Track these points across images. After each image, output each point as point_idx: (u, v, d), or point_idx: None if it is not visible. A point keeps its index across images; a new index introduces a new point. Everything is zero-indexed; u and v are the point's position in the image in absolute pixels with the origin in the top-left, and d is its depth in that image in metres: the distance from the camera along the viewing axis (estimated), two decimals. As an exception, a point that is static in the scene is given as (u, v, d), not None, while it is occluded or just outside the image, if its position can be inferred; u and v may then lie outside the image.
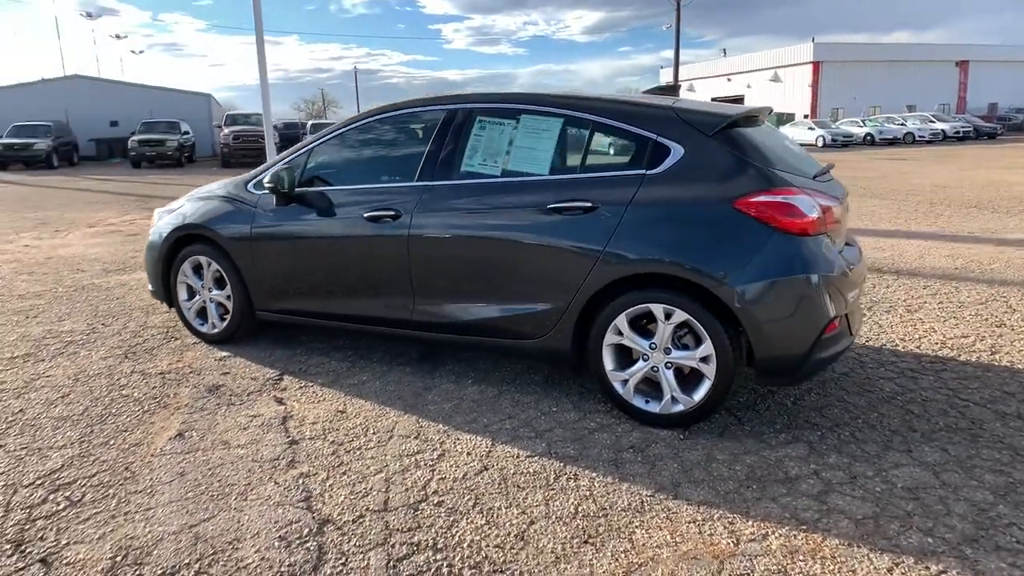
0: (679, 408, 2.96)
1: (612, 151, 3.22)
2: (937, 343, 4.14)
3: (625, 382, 3.04)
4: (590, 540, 2.21)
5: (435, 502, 2.44)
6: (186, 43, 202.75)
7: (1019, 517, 2.33)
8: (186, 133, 25.03)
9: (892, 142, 32.36)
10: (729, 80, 49.34)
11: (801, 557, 2.12)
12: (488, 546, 2.19)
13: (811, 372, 2.99)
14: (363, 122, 3.75)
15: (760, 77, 46.31)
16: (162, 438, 2.95)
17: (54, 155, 22.95)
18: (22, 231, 9.07)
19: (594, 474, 2.63)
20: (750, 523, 2.30)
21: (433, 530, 2.27)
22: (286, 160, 3.87)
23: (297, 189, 3.74)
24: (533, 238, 3.11)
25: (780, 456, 2.76)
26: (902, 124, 34.01)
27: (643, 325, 3.01)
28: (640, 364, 3.02)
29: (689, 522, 2.32)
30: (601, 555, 2.14)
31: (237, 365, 3.84)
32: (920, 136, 32.76)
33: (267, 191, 3.78)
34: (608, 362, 3.06)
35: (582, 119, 3.19)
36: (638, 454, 2.79)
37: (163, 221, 4.27)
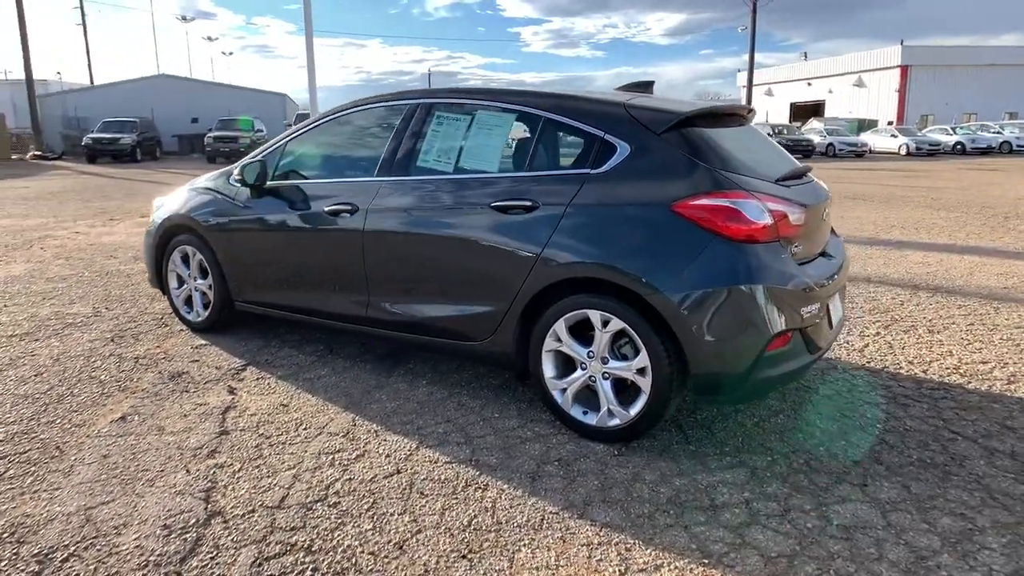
0: (615, 422, 2.79)
1: (561, 149, 3.08)
2: (949, 368, 3.77)
3: (564, 391, 2.90)
4: (469, 556, 2.10)
5: (332, 503, 2.38)
6: (276, 45, 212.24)
7: (960, 570, 2.05)
8: (259, 131, 26.09)
9: (986, 151, 30.18)
10: (809, 84, 47.31)
11: (689, 593, 1.94)
12: (362, 553, 2.11)
13: (756, 392, 2.76)
14: (336, 116, 3.75)
15: (843, 82, 44.17)
16: (105, 420, 3.02)
17: (138, 149, 24.42)
18: (80, 219, 9.65)
19: (505, 486, 2.51)
20: (648, 552, 2.13)
21: (315, 531, 2.21)
22: (263, 153, 3.91)
23: (270, 183, 3.78)
24: (476, 237, 3.01)
25: (715, 481, 2.56)
26: (998, 132, 31.64)
27: (585, 332, 2.86)
28: (579, 373, 2.87)
29: (582, 545, 2.16)
30: (473, 573, 2.02)
31: (209, 354, 3.91)
32: (1019, 145, 30.39)
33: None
34: (548, 369, 2.93)
35: (534, 115, 3.06)
36: (562, 468, 2.64)
37: (159, 211, 4.41)
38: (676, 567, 2.06)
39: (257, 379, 3.54)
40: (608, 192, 2.75)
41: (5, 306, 4.88)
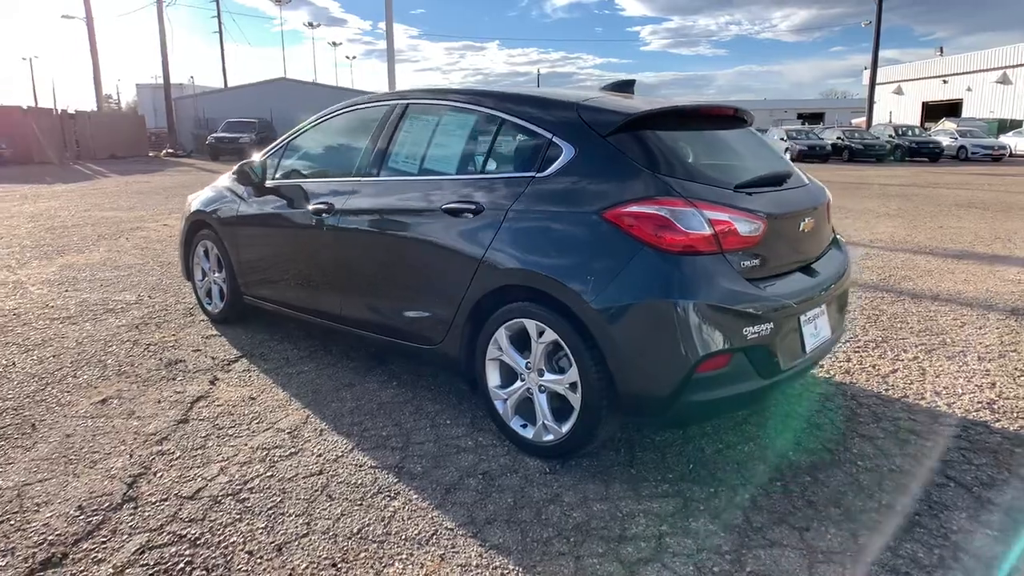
0: (549, 438, 2.66)
1: (515, 151, 2.96)
2: (981, 403, 3.31)
3: (506, 401, 2.80)
4: (339, 565, 2.07)
5: (241, 498, 2.43)
6: (400, 49, 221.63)
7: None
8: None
9: None
10: (945, 82, 43.20)
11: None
12: (241, 551, 2.13)
13: (690, 417, 2.54)
14: (332, 116, 3.83)
15: (984, 79, 39.97)
16: (87, 402, 3.25)
17: (255, 148, 26.25)
18: (175, 212, 10.49)
19: (416, 496, 2.45)
20: (523, 579, 2.01)
21: (210, 525, 2.26)
22: (267, 153, 4.06)
23: (270, 181, 3.92)
24: (430, 240, 2.97)
25: (638, 510, 2.38)
26: None
27: (528, 342, 2.74)
28: (518, 384, 2.76)
29: (458, 565, 2.07)
30: None
31: (214, 344, 4.12)
32: None
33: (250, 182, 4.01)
34: (492, 378, 2.84)
35: (494, 116, 2.97)
36: (484, 482, 2.55)
37: (189, 207, 4.70)
38: (544, 599, 1.93)
39: (243, 371, 3.68)
40: (548, 196, 2.63)
41: (65, 291, 5.38)
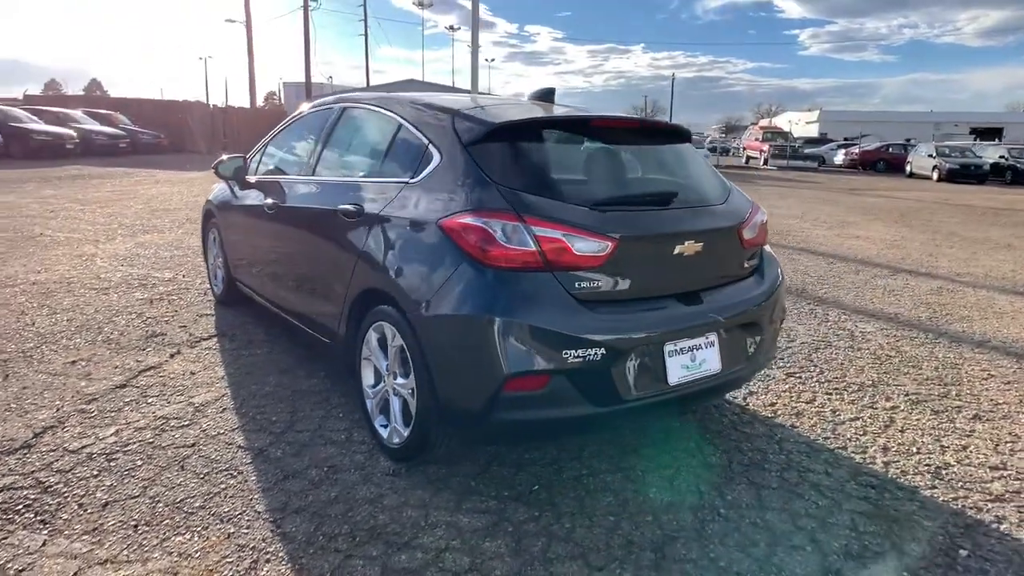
0: (397, 440, 2.71)
1: (402, 155, 2.99)
2: (929, 467, 2.92)
3: (373, 400, 2.88)
4: (140, 527, 2.26)
5: (112, 458, 2.70)
6: (543, 52, 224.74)
7: None
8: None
9: None
10: None
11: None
12: (74, 503, 2.39)
13: (501, 435, 2.49)
14: (299, 117, 4.08)
15: None
16: (61, 361, 3.72)
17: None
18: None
19: (255, 478, 2.60)
20: (270, 567, 2.09)
21: (69, 477, 2.55)
22: (254, 150, 4.40)
23: (249, 177, 4.25)
24: (329, 239, 3.11)
25: (445, 522, 2.37)
26: None
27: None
28: (381, 385, 2.83)
29: (238, 545, 2.19)
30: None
31: (203, 322, 4.53)
32: None
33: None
34: (367, 377, 2.93)
35: (394, 120, 3.05)
36: (324, 474, 2.65)
37: (208, 197, 5.19)
38: (283, 590, 2.00)
39: (207, 348, 4.03)
40: (412, 202, 2.67)
41: (121, 266, 6.11)
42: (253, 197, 4.11)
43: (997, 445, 3.16)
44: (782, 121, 58.60)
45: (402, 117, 2.99)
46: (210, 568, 2.09)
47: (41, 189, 11.82)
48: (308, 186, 3.49)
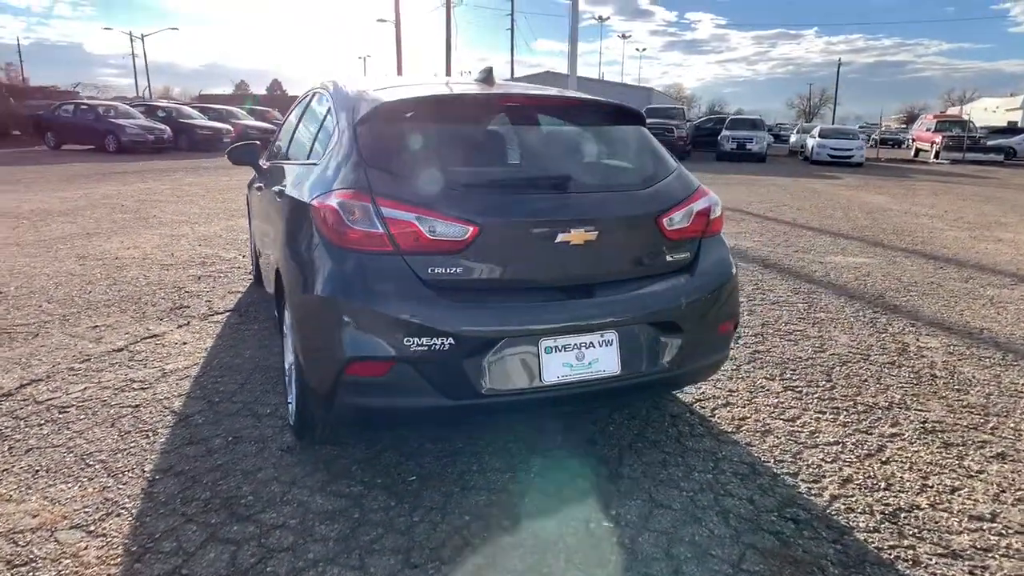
0: (292, 417, 2.76)
1: (326, 138, 2.97)
2: (860, 490, 2.47)
3: (287, 376, 2.96)
4: (3, 473, 2.50)
5: (63, 409, 3.01)
6: (703, 39, 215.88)
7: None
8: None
9: None
10: None
11: None
12: (2, 441, 2.69)
13: (347, 420, 2.45)
14: (295, 106, 4.24)
15: None
16: (86, 325, 4.19)
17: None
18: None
19: (160, 440, 2.78)
20: (79, 507, 2.21)
21: (17, 423, 2.87)
22: (273, 138, 4.65)
23: (263, 162, 4.50)
24: (273, 223, 3.23)
25: (300, 500, 2.38)
26: None
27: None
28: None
29: (70, 499, 2.35)
30: None
31: (229, 298, 4.89)
32: None
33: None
34: (288, 354, 3.00)
35: (326, 103, 3.08)
36: (225, 443, 2.77)
37: (257, 183, 5.58)
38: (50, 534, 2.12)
39: (213, 322, 4.35)
40: (308, 183, 2.69)
41: (198, 245, 6.75)
42: (261, 181, 4.36)
43: (1001, 492, 2.59)
44: (977, 108, 51.50)
45: (332, 100, 3.02)
46: (65, 515, 2.26)
47: (185, 177, 13.39)
48: (280, 169, 3.64)
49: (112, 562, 2.03)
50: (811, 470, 2.72)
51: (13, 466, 2.56)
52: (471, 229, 2.28)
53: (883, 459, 2.82)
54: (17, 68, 55.65)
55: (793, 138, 31.83)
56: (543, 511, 2.37)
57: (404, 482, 2.53)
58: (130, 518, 2.26)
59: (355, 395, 2.28)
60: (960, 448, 2.93)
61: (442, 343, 2.22)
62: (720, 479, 2.63)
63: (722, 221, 2.89)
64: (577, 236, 2.39)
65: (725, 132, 25.01)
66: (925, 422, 3.18)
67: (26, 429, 2.84)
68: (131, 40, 54.39)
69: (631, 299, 2.49)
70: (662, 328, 2.53)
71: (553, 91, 2.82)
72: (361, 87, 2.87)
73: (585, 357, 2.40)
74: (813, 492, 2.56)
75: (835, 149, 23.62)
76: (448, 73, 32.71)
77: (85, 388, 3.27)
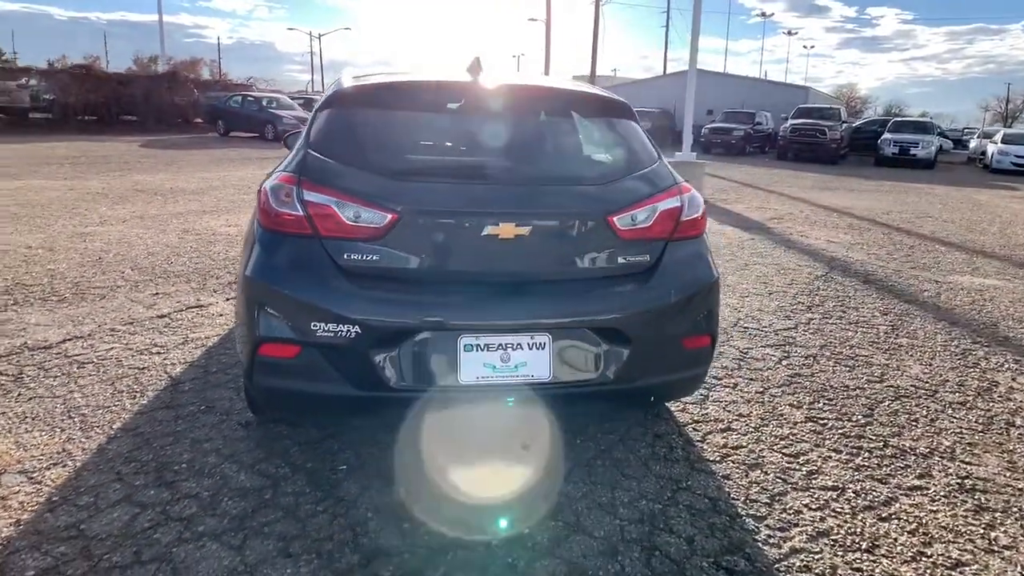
0: (252, 393, 2.83)
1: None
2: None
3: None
4: None
5: (80, 364, 3.31)
6: (886, 36, 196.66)
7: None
8: (758, 124, 25.89)
9: None
10: None
11: None
12: (12, 383, 3.01)
13: (266, 402, 2.44)
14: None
15: None
16: (149, 292, 4.59)
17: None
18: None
19: (128, 403, 2.96)
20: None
21: (37, 372, 3.20)
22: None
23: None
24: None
25: (228, 475, 2.43)
26: None
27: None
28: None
29: (23, 447, 2.55)
30: None
31: (284, 276, 5.15)
32: None
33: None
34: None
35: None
36: (189, 407, 2.90)
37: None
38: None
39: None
40: (278, 170, 2.73)
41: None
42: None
43: None
44: None
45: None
46: (20, 460, 2.46)
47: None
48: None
49: (29, 508, 2.19)
50: (784, 516, 2.34)
51: (10, 410, 2.84)
52: (389, 216, 2.19)
53: (883, 515, 2.37)
54: (217, 64, 63.05)
55: (973, 144, 28.17)
56: (449, 520, 2.23)
57: (332, 470, 2.50)
58: (71, 470, 2.42)
59: (267, 376, 2.28)
60: (996, 516, 2.39)
61: (347, 331, 2.16)
62: (668, 511, 2.34)
63: (701, 223, 2.56)
64: (506, 230, 2.22)
65: (886, 135, 22.60)
66: (966, 478, 2.64)
67: (42, 379, 3.15)
68: (310, 39, 59.51)
69: (569, 301, 2.27)
70: (606, 336, 2.29)
71: (533, 80, 2.65)
72: (346, 77, 2.87)
73: (511, 359, 2.23)
74: (772, 541, 2.20)
75: (1020, 157, 20.57)
76: (593, 71, 32.48)
77: (111, 348, 3.57)
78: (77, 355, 3.45)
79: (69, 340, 3.65)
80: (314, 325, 2.17)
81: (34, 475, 2.38)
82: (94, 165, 12.48)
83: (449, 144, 2.65)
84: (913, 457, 2.79)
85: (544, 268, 2.31)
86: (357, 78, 2.74)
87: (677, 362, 2.45)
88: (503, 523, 2.24)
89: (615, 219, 2.33)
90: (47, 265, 5.14)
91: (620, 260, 2.36)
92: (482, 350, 2.21)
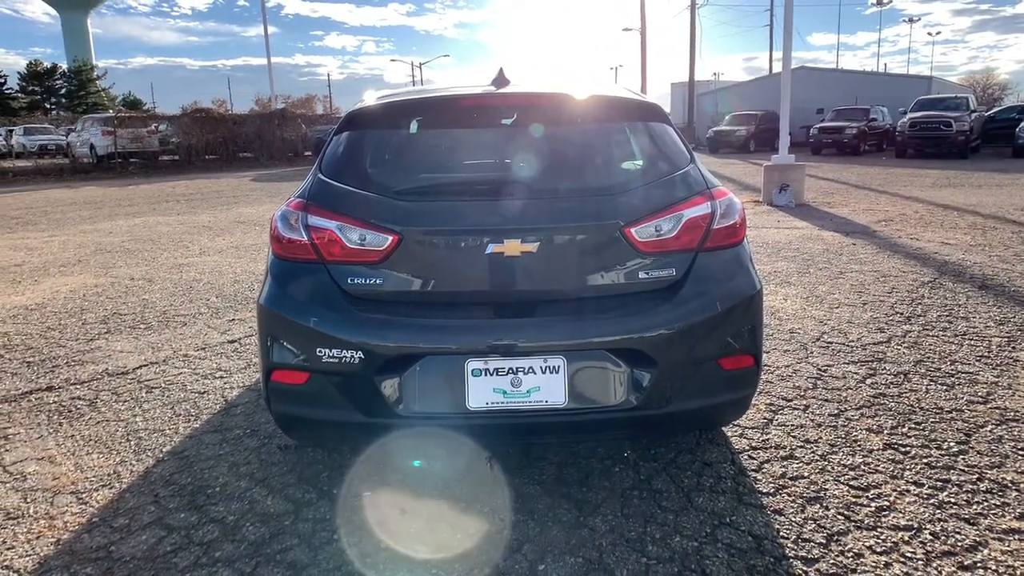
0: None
1: None
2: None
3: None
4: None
5: (148, 389, 3.50)
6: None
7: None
8: (872, 119, 24.10)
9: None
10: None
11: None
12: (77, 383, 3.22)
13: (284, 427, 2.38)
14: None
15: None
16: (226, 318, 4.83)
17: (752, 141, 26.31)
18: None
19: (181, 426, 3.07)
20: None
21: (111, 396, 3.41)
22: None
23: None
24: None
25: (256, 499, 2.46)
26: None
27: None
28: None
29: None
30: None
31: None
32: None
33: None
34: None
35: None
36: (235, 431, 2.97)
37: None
38: None
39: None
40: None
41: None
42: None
43: None
44: None
45: None
46: (75, 481, 2.61)
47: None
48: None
49: (71, 528, 2.30)
50: (841, 559, 2.05)
51: (79, 433, 3.04)
52: (391, 238, 2.14)
53: (965, 562, 2.02)
54: (329, 99, 67.48)
55: None
56: (459, 554, 2.13)
57: (356, 496, 2.47)
58: (116, 491, 2.53)
59: (281, 402, 2.29)
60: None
61: (352, 356, 2.12)
62: (704, 551, 2.11)
63: (739, 230, 2.32)
64: (511, 247, 2.11)
65: (1024, 123, 20.33)
66: (1080, 522, 2.21)
67: (112, 404, 3.36)
68: (411, 68, 62.46)
69: (584, 321, 2.12)
70: (627, 358, 2.12)
71: (550, 88, 2.52)
72: (368, 98, 2.88)
73: (523, 384, 2.11)
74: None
75: None
76: (691, 76, 31.61)
77: (180, 373, 3.77)
78: (148, 380, 3.66)
79: (145, 366, 3.89)
80: (319, 351, 2.15)
81: (83, 496, 2.51)
82: (206, 200, 13.54)
83: (457, 160, 2.58)
84: (1015, 494, 2.38)
85: (555, 286, 2.18)
86: (381, 98, 2.74)
87: (714, 386, 2.23)
88: (520, 560, 2.10)
89: (633, 230, 2.16)
90: (143, 295, 5.56)
91: (641, 275, 2.18)
92: (491, 375, 2.10)
